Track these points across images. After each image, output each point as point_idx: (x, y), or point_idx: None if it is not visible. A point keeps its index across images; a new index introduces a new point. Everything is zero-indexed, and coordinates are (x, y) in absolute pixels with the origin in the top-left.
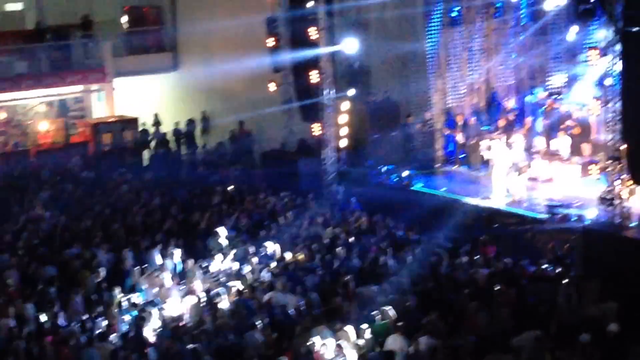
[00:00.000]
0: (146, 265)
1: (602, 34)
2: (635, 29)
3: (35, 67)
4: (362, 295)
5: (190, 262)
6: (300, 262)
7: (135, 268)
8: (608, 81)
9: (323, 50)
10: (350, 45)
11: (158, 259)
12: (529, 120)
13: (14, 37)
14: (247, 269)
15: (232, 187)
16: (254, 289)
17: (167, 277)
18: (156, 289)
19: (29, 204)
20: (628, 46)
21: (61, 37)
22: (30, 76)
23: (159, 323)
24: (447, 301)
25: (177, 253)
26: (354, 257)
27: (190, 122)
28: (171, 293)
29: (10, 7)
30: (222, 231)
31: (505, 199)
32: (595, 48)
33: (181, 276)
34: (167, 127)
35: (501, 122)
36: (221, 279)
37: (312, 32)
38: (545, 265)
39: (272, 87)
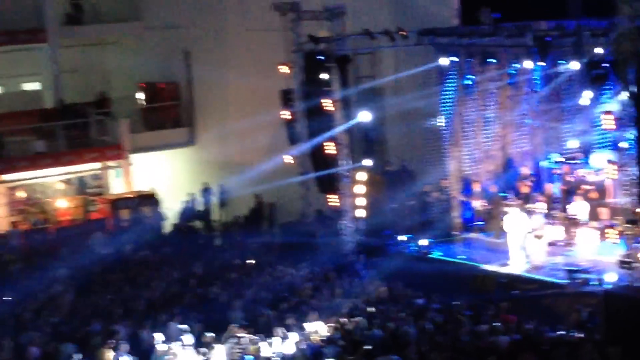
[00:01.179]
0: (166, 340)
1: (616, 98)
2: None
3: (53, 145)
4: None
5: (210, 335)
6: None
7: (158, 344)
8: (623, 145)
9: (338, 122)
10: (365, 117)
11: (177, 333)
12: (549, 186)
13: (32, 116)
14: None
15: (251, 260)
16: None
17: (186, 352)
18: None
19: (48, 281)
20: None
21: (78, 115)
22: (48, 155)
23: None
24: None
25: (196, 327)
26: (375, 327)
27: (206, 190)
28: None
29: (28, 86)
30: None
31: (525, 265)
32: (609, 112)
33: (201, 350)
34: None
35: (522, 189)
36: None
37: (327, 103)
38: (566, 331)
39: (288, 159)
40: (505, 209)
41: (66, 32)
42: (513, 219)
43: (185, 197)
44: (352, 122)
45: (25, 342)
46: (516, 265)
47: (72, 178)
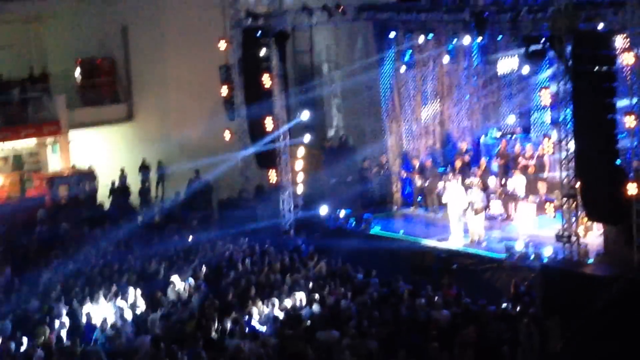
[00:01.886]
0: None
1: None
2: (584, 68)
3: None
4: (323, 340)
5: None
6: None
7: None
8: (560, 119)
9: (277, 97)
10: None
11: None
12: (484, 160)
13: None
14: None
15: (190, 236)
16: None
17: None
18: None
19: None
20: (578, 85)
21: (14, 90)
22: None
23: None
24: (409, 343)
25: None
26: (314, 303)
27: (144, 168)
28: None
29: None
30: (177, 280)
31: (463, 240)
32: (546, 88)
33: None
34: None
35: (457, 163)
36: None
37: (266, 79)
38: (505, 304)
39: (227, 135)
40: (444, 183)
41: (2, 6)
42: (451, 193)
43: (118, 174)
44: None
45: None
46: (455, 240)
47: (8, 155)
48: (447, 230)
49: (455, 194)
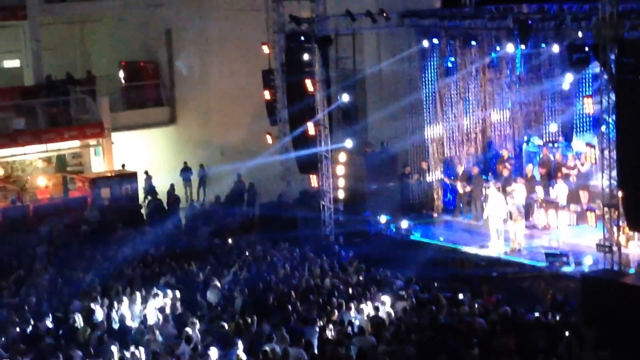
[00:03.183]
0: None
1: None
2: (628, 77)
3: (33, 123)
4: (360, 346)
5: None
6: None
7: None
8: (604, 129)
9: (319, 102)
10: (345, 98)
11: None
12: (530, 168)
13: (12, 93)
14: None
15: (230, 239)
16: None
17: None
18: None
19: (27, 259)
20: (622, 94)
21: (59, 93)
22: (28, 132)
23: None
24: (448, 350)
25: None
26: (353, 308)
27: (187, 170)
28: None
29: (8, 63)
30: (217, 283)
31: (504, 248)
32: (589, 96)
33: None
34: (163, 180)
35: (502, 171)
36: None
37: (309, 84)
38: (544, 314)
39: (269, 139)
40: (486, 191)
41: (47, 9)
42: (493, 201)
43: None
44: (334, 105)
45: (4, 319)
46: (495, 248)
47: (51, 156)
48: (487, 238)
49: (496, 201)
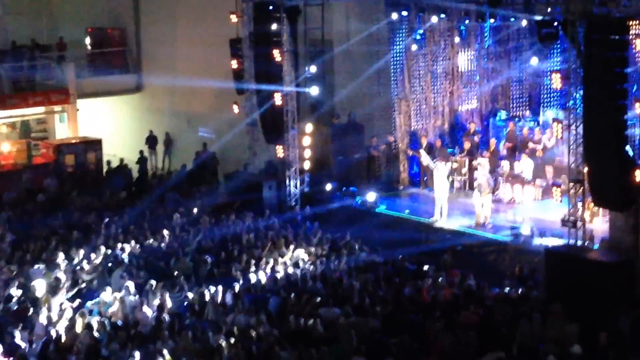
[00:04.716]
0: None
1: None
2: (596, 53)
3: None
4: (325, 317)
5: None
6: None
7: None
8: (570, 104)
9: (287, 73)
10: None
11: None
12: (493, 142)
13: None
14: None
15: (195, 209)
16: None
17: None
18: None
19: None
20: (590, 70)
21: (24, 58)
22: None
23: None
24: (411, 323)
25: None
26: (318, 279)
27: (152, 138)
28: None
29: None
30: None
31: (470, 221)
32: (557, 71)
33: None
34: (128, 148)
35: (466, 145)
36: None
37: (277, 55)
38: (508, 287)
39: (235, 108)
40: (451, 165)
41: None
42: (438, 174)
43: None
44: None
45: None
46: (441, 221)
47: (16, 122)
48: (454, 210)
49: (440, 175)
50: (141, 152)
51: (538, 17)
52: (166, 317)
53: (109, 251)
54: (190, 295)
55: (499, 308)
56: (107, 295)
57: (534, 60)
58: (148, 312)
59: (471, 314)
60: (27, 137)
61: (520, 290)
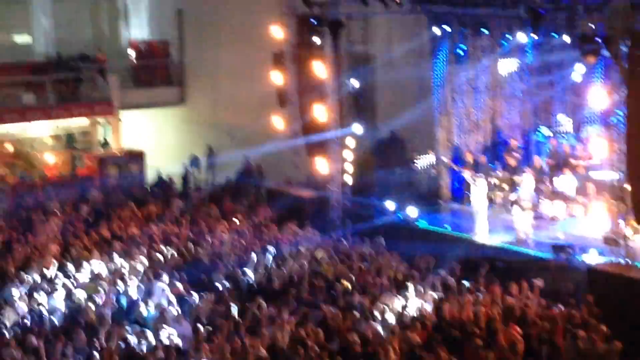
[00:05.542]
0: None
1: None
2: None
3: (42, 99)
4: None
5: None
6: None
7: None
8: (613, 121)
9: (329, 86)
10: (355, 83)
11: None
12: (538, 158)
13: (22, 69)
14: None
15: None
16: None
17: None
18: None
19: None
20: (633, 86)
21: (69, 69)
22: (37, 108)
23: None
24: (452, 340)
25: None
26: (356, 292)
27: (195, 159)
28: None
29: (18, 39)
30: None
31: (511, 238)
32: (600, 88)
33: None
34: (171, 161)
35: (510, 161)
36: None
37: (319, 68)
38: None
39: (278, 122)
40: (494, 180)
41: None
42: (478, 190)
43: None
44: (344, 90)
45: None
46: (483, 236)
47: (60, 133)
48: (495, 226)
49: (483, 190)
50: (185, 165)
51: (580, 33)
52: (203, 328)
53: (151, 262)
54: (233, 307)
55: (541, 326)
56: (148, 306)
57: (577, 76)
58: (187, 324)
59: (512, 331)
60: (71, 149)
61: (562, 308)
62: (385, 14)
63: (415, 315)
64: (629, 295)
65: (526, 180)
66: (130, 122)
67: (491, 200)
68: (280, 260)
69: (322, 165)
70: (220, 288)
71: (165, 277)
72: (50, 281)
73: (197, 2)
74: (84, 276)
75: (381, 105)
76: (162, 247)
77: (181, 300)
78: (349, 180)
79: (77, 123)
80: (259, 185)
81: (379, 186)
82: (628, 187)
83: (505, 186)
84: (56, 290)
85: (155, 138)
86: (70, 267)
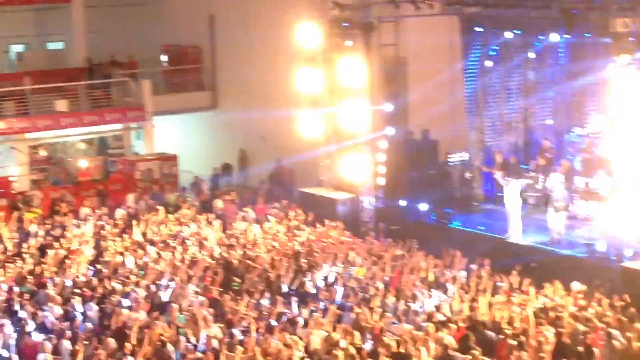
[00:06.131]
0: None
1: None
2: None
3: (75, 105)
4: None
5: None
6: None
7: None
8: None
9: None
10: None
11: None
12: (570, 159)
13: (55, 75)
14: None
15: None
16: None
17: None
18: None
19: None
20: None
21: (102, 75)
22: (70, 114)
23: None
24: (486, 340)
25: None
26: (391, 297)
27: (227, 166)
28: None
29: (52, 45)
30: None
31: (545, 238)
32: (633, 87)
33: None
34: (204, 166)
35: (541, 161)
36: None
37: (350, 71)
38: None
39: (310, 125)
40: (526, 181)
41: None
42: (511, 190)
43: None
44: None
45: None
46: (515, 237)
47: (93, 138)
48: (526, 227)
49: (514, 191)
50: (214, 169)
51: (613, 32)
52: (237, 331)
53: (184, 265)
54: (266, 310)
55: (575, 326)
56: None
57: (610, 75)
58: (219, 327)
59: (545, 332)
60: (104, 154)
61: (597, 308)
62: (417, 15)
63: (448, 315)
64: None
65: (559, 180)
66: (163, 127)
67: (524, 201)
68: (314, 263)
69: (354, 168)
70: (253, 291)
71: (198, 280)
72: (86, 284)
73: (228, 7)
74: (116, 279)
75: (413, 106)
76: (195, 250)
77: (214, 303)
78: (381, 182)
79: (110, 128)
80: (291, 188)
81: (412, 187)
82: None
83: (539, 187)
84: (90, 293)
85: (187, 143)
86: (104, 270)
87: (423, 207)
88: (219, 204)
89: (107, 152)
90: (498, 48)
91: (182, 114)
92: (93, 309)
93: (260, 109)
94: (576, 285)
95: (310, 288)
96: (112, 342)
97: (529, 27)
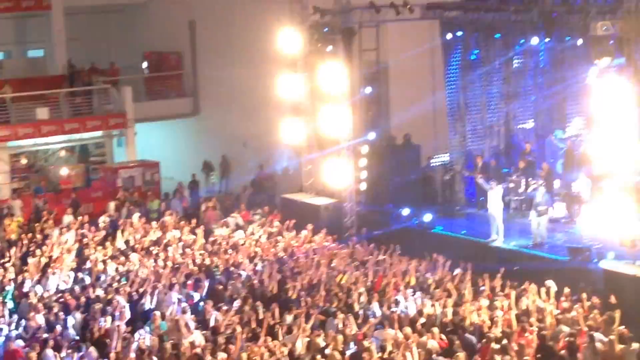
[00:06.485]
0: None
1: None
2: None
3: (56, 112)
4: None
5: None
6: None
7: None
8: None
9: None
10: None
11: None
12: (552, 162)
13: (36, 83)
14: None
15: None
16: None
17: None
18: None
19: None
20: None
21: (83, 83)
22: (51, 121)
23: None
24: (469, 343)
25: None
26: (374, 302)
27: (208, 164)
28: None
29: (32, 53)
30: None
31: (527, 241)
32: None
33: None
34: (186, 172)
35: (521, 164)
36: None
37: (332, 75)
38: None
39: (291, 130)
40: (508, 185)
41: None
42: (493, 195)
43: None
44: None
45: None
46: (498, 241)
47: (75, 146)
48: (510, 230)
49: (498, 195)
50: (193, 175)
51: (593, 35)
52: (219, 337)
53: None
54: (250, 316)
55: (558, 328)
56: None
57: (590, 79)
58: (202, 333)
59: (528, 335)
60: (85, 161)
61: (580, 311)
62: (398, 20)
63: (432, 319)
64: None
65: (541, 184)
66: (144, 134)
67: (507, 205)
68: (296, 269)
69: (336, 173)
70: (236, 297)
71: (180, 287)
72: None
73: (208, 13)
74: (99, 287)
75: (394, 111)
76: (178, 256)
77: (196, 309)
78: (363, 187)
79: (91, 135)
80: (273, 194)
81: (394, 192)
82: None
83: (520, 190)
84: (73, 301)
85: (169, 149)
86: (86, 278)
87: (405, 212)
88: (201, 210)
89: (89, 159)
90: (479, 52)
91: (163, 121)
92: (76, 318)
93: (242, 114)
94: (550, 283)
95: (293, 294)
96: (93, 350)
97: (510, 30)
